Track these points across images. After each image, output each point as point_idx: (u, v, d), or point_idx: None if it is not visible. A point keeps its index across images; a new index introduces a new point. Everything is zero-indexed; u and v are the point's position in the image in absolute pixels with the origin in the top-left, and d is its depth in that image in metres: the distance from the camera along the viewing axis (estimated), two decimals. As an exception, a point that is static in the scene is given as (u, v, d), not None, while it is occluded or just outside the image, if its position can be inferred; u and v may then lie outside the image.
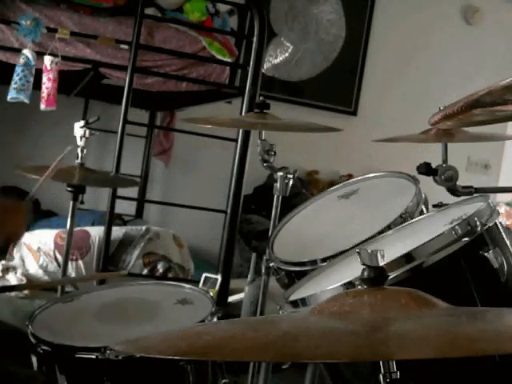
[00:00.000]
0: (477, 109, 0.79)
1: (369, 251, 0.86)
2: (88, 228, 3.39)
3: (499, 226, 1.33)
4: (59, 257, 3.18)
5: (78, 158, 2.39)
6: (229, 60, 3.51)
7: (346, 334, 0.76)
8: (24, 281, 3.09)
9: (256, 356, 0.81)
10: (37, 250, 3.24)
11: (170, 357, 0.74)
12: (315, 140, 4.44)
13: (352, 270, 1.24)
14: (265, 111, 2.01)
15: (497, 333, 0.73)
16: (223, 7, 3.70)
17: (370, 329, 0.76)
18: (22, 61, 3.06)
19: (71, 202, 2.39)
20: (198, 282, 3.17)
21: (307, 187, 4.53)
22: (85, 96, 4.20)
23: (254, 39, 3.33)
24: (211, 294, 1.71)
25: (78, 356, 1.44)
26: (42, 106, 3.14)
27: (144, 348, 0.84)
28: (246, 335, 0.80)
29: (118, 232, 3.41)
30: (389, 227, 1.60)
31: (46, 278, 3.21)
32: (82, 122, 2.42)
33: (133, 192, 4.20)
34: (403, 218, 1.62)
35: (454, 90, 4.77)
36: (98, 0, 3.34)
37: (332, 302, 0.84)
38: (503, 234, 1.33)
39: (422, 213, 1.66)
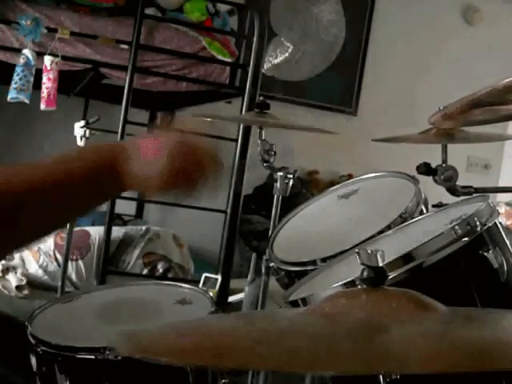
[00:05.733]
0: (476, 108, 0.79)
1: (369, 251, 0.85)
2: (88, 228, 3.39)
3: (499, 226, 1.33)
4: (59, 257, 3.17)
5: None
6: (229, 60, 3.51)
7: (339, 338, 0.74)
8: (24, 281, 3.08)
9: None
10: (37, 249, 3.24)
11: (170, 357, 0.74)
12: (315, 140, 4.43)
13: (352, 269, 1.24)
14: (265, 111, 2.01)
15: (496, 342, 0.71)
16: (223, 7, 3.69)
17: (364, 335, 0.74)
18: (22, 61, 3.06)
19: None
20: (198, 281, 3.17)
21: (307, 187, 4.53)
22: (85, 96, 4.20)
23: (254, 39, 3.33)
24: (211, 294, 1.71)
25: (77, 356, 1.43)
26: (42, 106, 3.14)
27: (143, 348, 0.84)
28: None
29: (117, 232, 3.41)
30: (389, 227, 1.60)
31: (45, 277, 3.21)
32: (82, 122, 2.42)
33: (133, 192, 4.19)
34: (403, 218, 1.62)
35: (454, 89, 4.76)
36: (97, 0, 3.34)
37: (326, 303, 0.83)
38: (503, 234, 1.33)
39: (421, 213, 1.66)
